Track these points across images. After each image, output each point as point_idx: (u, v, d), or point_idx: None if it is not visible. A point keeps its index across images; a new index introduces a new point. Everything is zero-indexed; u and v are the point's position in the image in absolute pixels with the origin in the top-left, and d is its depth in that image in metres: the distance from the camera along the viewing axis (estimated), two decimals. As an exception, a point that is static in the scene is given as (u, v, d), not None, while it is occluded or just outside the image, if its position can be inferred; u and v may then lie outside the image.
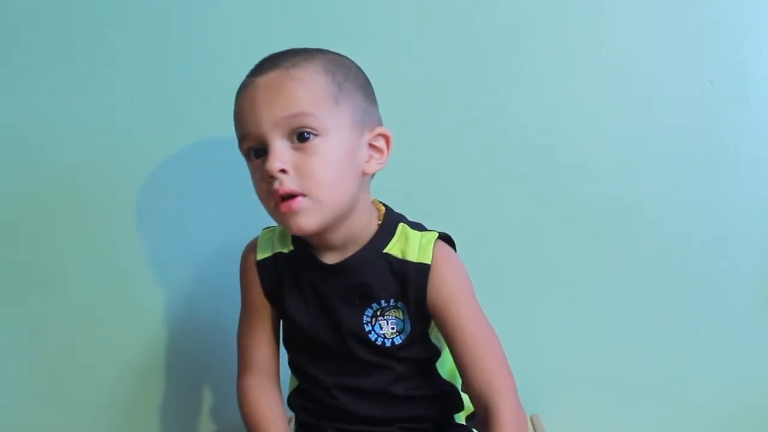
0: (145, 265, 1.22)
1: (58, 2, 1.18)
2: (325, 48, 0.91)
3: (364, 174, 0.88)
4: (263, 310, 0.96)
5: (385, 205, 0.94)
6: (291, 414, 1.14)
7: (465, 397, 0.97)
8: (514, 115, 1.17)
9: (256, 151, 0.85)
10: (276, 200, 0.83)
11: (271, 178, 0.82)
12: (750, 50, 1.15)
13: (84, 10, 1.18)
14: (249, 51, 1.16)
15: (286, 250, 0.94)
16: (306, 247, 0.91)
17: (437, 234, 0.91)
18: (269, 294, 0.95)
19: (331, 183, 0.84)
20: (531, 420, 1.17)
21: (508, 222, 1.19)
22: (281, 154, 0.82)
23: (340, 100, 0.85)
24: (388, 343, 0.90)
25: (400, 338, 0.91)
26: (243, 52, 1.16)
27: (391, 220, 0.92)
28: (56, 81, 1.20)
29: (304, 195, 0.83)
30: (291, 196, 0.83)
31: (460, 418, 0.98)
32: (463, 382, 0.92)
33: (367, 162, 0.88)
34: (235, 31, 1.17)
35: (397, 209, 0.95)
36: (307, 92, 0.83)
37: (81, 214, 1.22)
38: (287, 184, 0.82)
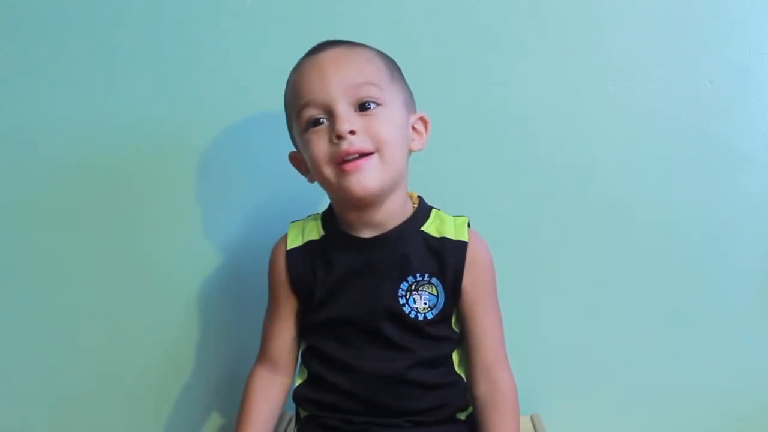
0: (150, 263, 1.23)
1: (63, 2, 1.18)
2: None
3: (410, 151, 0.94)
4: (287, 302, 0.97)
5: (418, 195, 0.98)
6: (291, 413, 1.15)
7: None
8: (514, 115, 1.17)
9: (314, 121, 0.89)
10: (340, 161, 0.87)
11: (340, 139, 0.86)
12: (750, 50, 1.15)
13: (86, 8, 1.18)
14: (249, 49, 1.18)
15: (317, 237, 0.96)
16: (339, 227, 0.94)
17: (467, 219, 0.97)
18: (296, 283, 0.96)
19: (396, 144, 0.89)
20: (531, 419, 1.17)
21: (508, 221, 1.19)
22: (350, 117, 0.87)
23: (394, 79, 0.92)
24: (420, 317, 0.92)
25: (432, 314, 0.93)
26: (243, 51, 1.18)
27: (425, 206, 0.97)
28: (58, 79, 1.20)
29: (373, 152, 0.87)
30: (360, 156, 0.87)
31: (461, 417, 0.99)
32: (470, 356, 0.95)
33: (412, 141, 0.94)
34: (235, 30, 1.17)
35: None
36: (372, 67, 0.90)
37: (86, 215, 1.22)
38: (357, 144, 0.87)
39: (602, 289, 1.21)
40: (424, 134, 0.95)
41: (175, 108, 1.19)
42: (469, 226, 0.97)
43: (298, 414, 1.01)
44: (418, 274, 0.92)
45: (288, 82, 0.93)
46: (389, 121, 0.89)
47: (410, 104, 0.95)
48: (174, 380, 1.26)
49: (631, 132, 1.17)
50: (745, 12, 1.15)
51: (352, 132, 0.86)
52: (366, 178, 0.87)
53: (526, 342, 1.19)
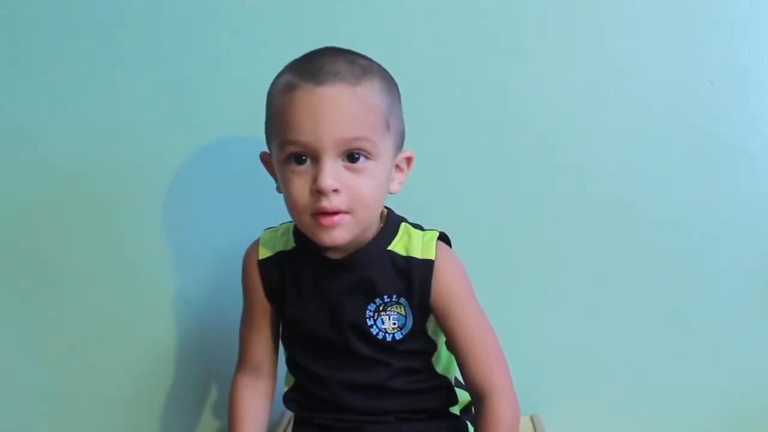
0: (149, 265, 1.23)
1: (63, 2, 1.18)
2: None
3: (389, 193, 0.91)
4: (263, 311, 0.97)
5: (386, 207, 0.96)
6: (291, 413, 1.15)
7: (458, 391, 0.99)
8: (514, 115, 1.17)
9: (297, 158, 0.85)
10: (315, 212, 0.84)
11: (319, 193, 0.83)
12: (750, 50, 1.15)
13: (86, 8, 1.18)
14: (249, 49, 1.17)
15: (288, 248, 0.95)
16: (309, 244, 0.91)
17: (438, 233, 0.93)
18: (270, 293, 0.96)
19: (373, 204, 0.87)
20: (531, 419, 1.17)
21: (508, 221, 1.19)
22: (336, 172, 0.83)
23: (390, 124, 0.86)
24: (388, 338, 0.92)
25: (401, 333, 0.92)
26: (243, 51, 1.18)
27: (393, 220, 0.94)
28: (61, 82, 1.19)
29: (347, 213, 0.84)
30: (335, 212, 0.84)
31: (454, 411, 0.99)
32: (462, 374, 0.94)
33: (392, 182, 0.90)
34: (235, 30, 1.17)
35: (395, 209, 0.96)
36: (371, 116, 0.84)
37: (86, 216, 1.22)
38: (336, 203, 0.83)
39: (602, 289, 1.21)
40: (406, 172, 0.92)
41: (175, 108, 1.19)
42: (446, 239, 0.94)
43: (295, 414, 1.02)
44: (385, 296, 0.91)
45: (276, 91, 0.86)
46: (375, 178, 0.85)
47: (400, 142, 0.91)
48: (171, 382, 1.26)
49: (631, 132, 1.17)
50: (745, 12, 1.15)
51: (335, 190, 0.83)
52: (338, 234, 0.85)
53: (526, 342, 1.19)
